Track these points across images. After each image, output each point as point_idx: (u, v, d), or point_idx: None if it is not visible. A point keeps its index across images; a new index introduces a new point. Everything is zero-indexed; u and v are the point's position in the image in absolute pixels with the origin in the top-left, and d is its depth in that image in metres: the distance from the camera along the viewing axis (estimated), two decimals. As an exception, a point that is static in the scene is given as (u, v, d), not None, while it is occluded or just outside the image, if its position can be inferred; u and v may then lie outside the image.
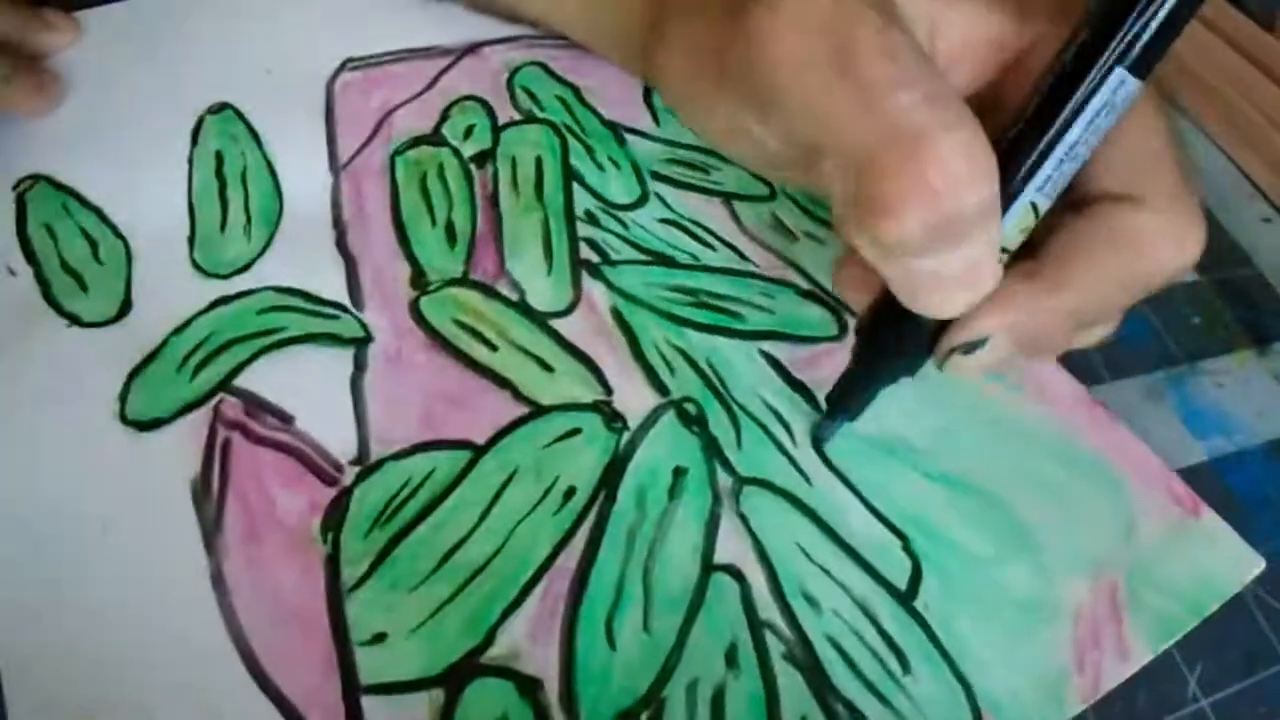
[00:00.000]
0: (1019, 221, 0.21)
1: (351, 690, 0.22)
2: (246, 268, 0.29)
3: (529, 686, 0.23)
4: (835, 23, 0.19)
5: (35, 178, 0.30)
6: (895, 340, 0.23)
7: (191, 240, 0.29)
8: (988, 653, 0.24)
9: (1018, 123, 0.21)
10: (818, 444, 0.27)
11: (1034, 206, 0.21)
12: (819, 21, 0.19)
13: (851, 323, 0.30)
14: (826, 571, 0.25)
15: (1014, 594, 0.25)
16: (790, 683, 0.23)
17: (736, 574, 0.25)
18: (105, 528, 0.24)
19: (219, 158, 0.31)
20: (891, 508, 0.26)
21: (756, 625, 0.24)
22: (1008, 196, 0.20)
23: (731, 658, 0.24)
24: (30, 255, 0.28)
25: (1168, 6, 0.19)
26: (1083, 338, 0.23)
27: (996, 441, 0.28)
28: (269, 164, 0.31)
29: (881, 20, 0.19)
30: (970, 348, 0.22)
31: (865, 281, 0.23)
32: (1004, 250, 0.21)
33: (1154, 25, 0.19)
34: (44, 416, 0.26)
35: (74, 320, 0.27)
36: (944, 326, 0.22)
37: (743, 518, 0.26)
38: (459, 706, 0.22)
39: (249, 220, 0.30)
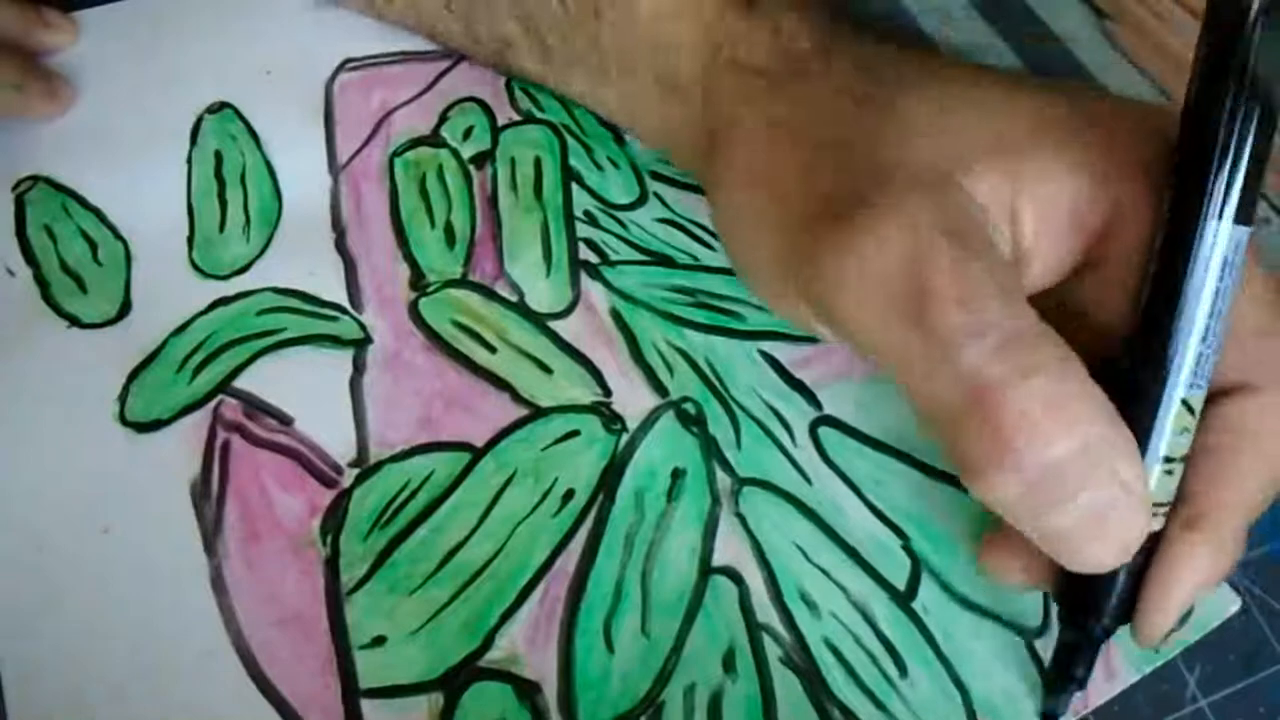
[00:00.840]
0: (1175, 425, 0.19)
1: (350, 693, 0.23)
2: (245, 269, 0.29)
3: (527, 690, 0.23)
4: (911, 265, 0.18)
5: (34, 179, 0.30)
6: (1092, 598, 0.21)
7: (190, 241, 0.29)
8: (985, 656, 0.24)
9: (1134, 317, 0.19)
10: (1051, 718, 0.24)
11: (1186, 404, 0.19)
12: (895, 262, 0.18)
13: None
14: (825, 572, 0.25)
15: (1011, 597, 0.25)
16: (787, 686, 0.23)
17: (735, 576, 0.25)
18: (105, 529, 0.24)
19: (218, 158, 0.31)
20: (891, 505, 0.26)
21: (754, 628, 0.24)
22: (1152, 403, 0.19)
23: (729, 661, 0.24)
24: (29, 256, 0.28)
25: (1250, 140, 0.18)
26: None
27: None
28: (268, 164, 0.31)
29: (955, 251, 0.18)
30: (1182, 620, 0.21)
31: (1012, 555, 0.22)
32: (1170, 460, 0.19)
33: (1244, 164, 0.18)
34: (44, 417, 0.26)
35: (73, 321, 0.27)
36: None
37: (741, 518, 0.26)
38: (458, 710, 0.23)
39: (248, 221, 0.30)
